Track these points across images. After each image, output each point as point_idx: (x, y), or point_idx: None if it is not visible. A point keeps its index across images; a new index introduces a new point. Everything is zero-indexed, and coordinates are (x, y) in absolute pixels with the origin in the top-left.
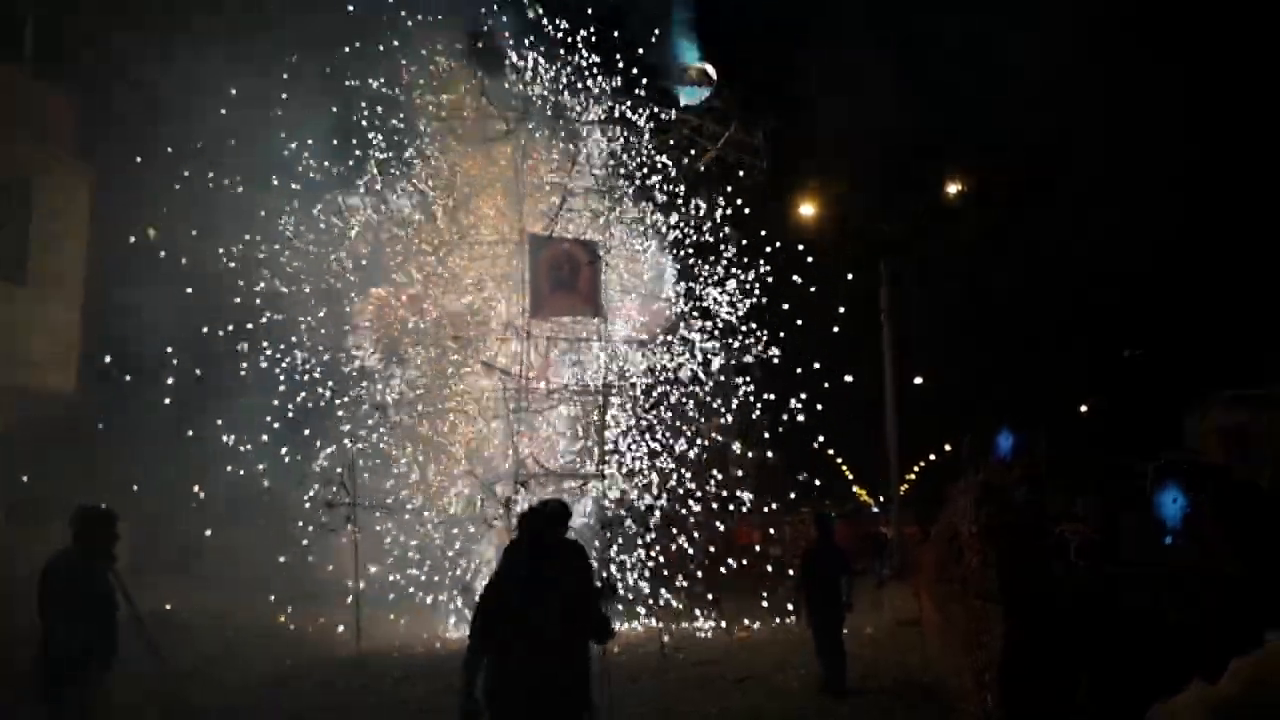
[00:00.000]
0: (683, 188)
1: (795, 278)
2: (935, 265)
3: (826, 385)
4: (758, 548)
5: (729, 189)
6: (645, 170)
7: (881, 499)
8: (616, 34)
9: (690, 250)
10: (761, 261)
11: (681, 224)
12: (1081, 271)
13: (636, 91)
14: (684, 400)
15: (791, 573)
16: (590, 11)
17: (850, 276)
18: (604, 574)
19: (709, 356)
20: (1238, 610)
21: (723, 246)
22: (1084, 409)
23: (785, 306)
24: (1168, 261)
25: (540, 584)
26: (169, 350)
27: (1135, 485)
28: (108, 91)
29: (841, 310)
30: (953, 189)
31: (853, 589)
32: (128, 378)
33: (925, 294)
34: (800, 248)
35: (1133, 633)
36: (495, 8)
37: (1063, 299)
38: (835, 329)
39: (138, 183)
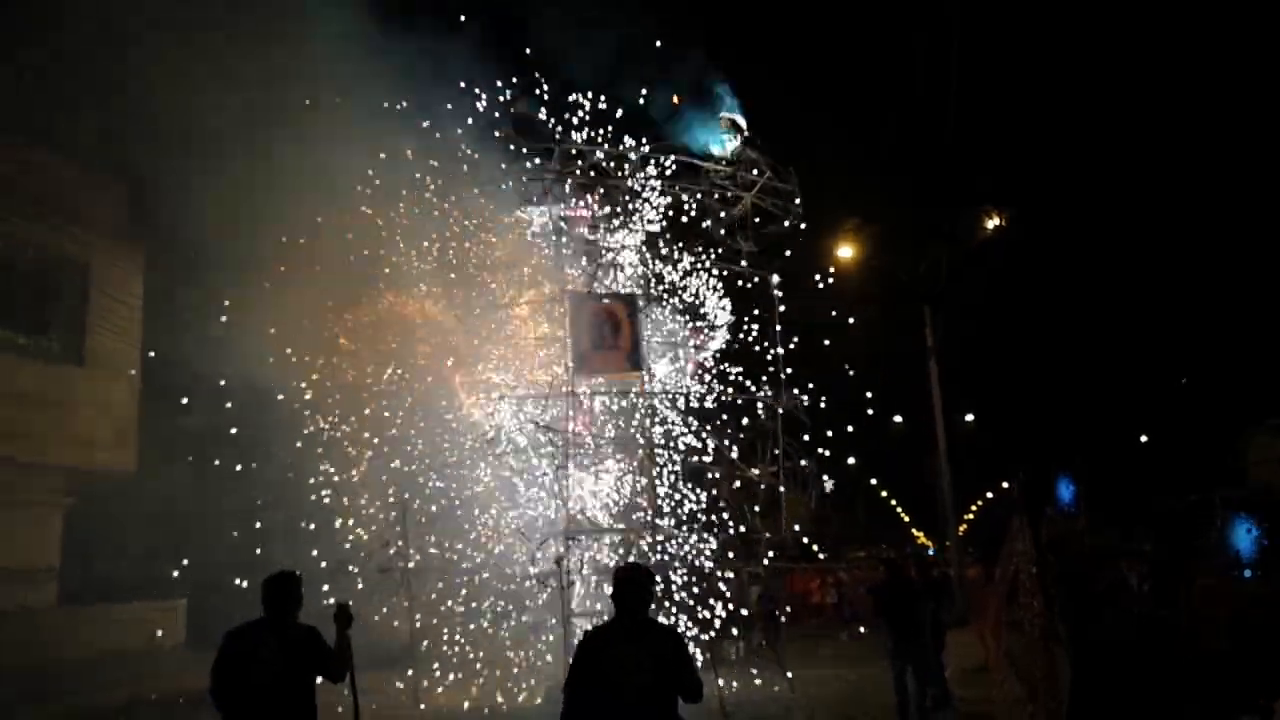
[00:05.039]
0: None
1: (838, 316)
2: (977, 301)
3: (877, 428)
4: (815, 598)
5: (764, 235)
6: (683, 220)
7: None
8: (645, 88)
9: (730, 298)
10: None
11: (720, 272)
12: (1128, 296)
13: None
14: (730, 449)
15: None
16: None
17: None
18: None
19: (755, 403)
20: None
21: (763, 292)
22: (1144, 439)
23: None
24: (1215, 284)
25: (621, 669)
26: (222, 425)
27: (1200, 519)
28: (158, 177)
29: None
30: (990, 224)
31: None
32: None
33: (969, 329)
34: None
35: (1201, 672)
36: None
37: (1108, 324)
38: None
39: (188, 266)
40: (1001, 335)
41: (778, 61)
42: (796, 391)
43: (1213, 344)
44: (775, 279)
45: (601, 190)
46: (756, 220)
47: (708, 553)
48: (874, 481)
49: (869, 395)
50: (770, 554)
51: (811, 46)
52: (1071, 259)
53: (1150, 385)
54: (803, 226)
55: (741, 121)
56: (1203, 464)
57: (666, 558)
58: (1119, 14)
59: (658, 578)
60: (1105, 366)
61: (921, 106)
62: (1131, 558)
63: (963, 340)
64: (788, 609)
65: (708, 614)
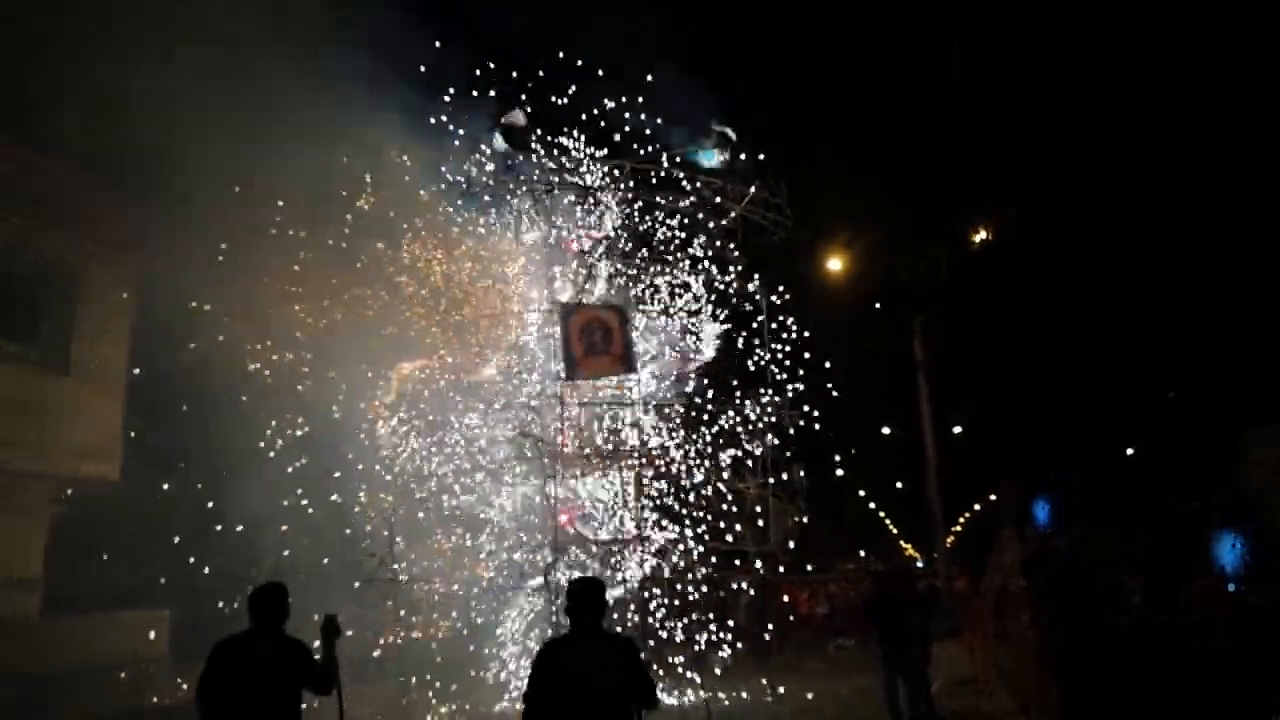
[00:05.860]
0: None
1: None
2: (967, 309)
3: (866, 439)
4: (803, 610)
5: (754, 247)
6: (671, 234)
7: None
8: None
9: (718, 309)
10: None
11: (709, 283)
12: (1118, 306)
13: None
14: (718, 460)
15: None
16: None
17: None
18: None
19: (742, 416)
20: None
21: (751, 304)
22: (1130, 452)
23: (819, 358)
24: (1207, 293)
25: (584, 670)
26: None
27: (1191, 527)
28: (153, 184)
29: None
30: (978, 237)
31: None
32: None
33: (959, 339)
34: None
35: (1201, 672)
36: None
37: (1107, 324)
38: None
39: (181, 273)
40: (1000, 337)
41: (777, 62)
42: (791, 396)
43: (1213, 344)
44: (766, 288)
45: (592, 202)
46: (746, 232)
47: (696, 563)
48: (862, 493)
49: (861, 406)
50: (759, 564)
51: (811, 47)
52: (1070, 259)
53: (1149, 385)
54: (790, 224)
55: (731, 134)
56: (1203, 464)
57: (654, 568)
58: (1118, 16)
59: (650, 587)
60: (1103, 367)
61: (921, 107)
62: (1129, 562)
63: (962, 340)
64: (790, 618)
65: (696, 625)
